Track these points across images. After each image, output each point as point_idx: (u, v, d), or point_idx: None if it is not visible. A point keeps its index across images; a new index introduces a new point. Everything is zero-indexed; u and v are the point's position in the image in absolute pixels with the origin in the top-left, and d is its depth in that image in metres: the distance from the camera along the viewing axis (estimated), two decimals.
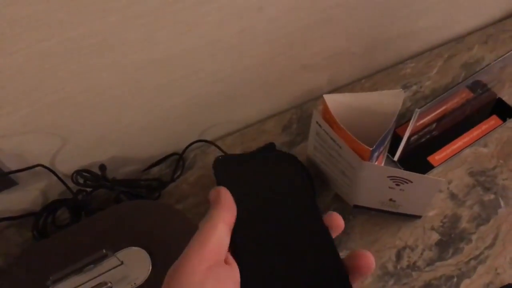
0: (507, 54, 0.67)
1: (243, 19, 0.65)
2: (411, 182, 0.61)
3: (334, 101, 0.62)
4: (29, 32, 0.52)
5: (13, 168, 0.66)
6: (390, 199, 0.67)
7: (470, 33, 0.93)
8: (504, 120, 0.79)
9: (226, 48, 0.68)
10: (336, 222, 0.33)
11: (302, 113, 0.84)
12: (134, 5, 0.55)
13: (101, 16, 0.54)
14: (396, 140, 0.72)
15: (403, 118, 0.81)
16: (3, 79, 0.56)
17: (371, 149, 0.58)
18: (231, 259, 0.31)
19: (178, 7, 0.59)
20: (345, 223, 0.70)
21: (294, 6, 0.68)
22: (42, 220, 0.72)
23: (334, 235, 0.33)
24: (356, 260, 0.30)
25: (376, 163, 0.65)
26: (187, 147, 0.78)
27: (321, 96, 0.78)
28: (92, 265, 0.60)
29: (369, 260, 0.30)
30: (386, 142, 0.65)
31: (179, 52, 0.65)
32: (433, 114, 0.70)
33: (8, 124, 0.61)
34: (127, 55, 0.61)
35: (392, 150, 0.74)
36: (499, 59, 0.67)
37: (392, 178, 0.61)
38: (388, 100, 0.62)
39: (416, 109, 0.61)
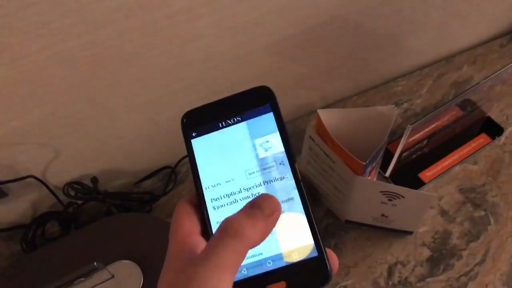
0: (495, 74, 0.68)
1: (240, 34, 0.66)
2: (403, 197, 0.61)
3: (328, 116, 0.63)
4: (23, 43, 0.52)
5: (4, 179, 0.65)
6: (382, 215, 0.67)
7: (459, 53, 0.95)
8: (493, 138, 0.80)
9: (221, 62, 0.69)
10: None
11: (295, 128, 0.85)
12: (130, 18, 0.56)
13: (96, 28, 0.55)
14: (387, 156, 0.73)
15: (394, 135, 0.82)
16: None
17: (364, 163, 0.58)
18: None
19: (176, 21, 0.59)
20: (337, 239, 0.71)
21: (288, 23, 0.69)
22: (31, 233, 0.72)
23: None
24: None
25: (368, 178, 0.65)
26: (179, 161, 0.78)
27: (313, 112, 0.79)
28: (82, 278, 0.59)
29: (335, 261, 0.31)
30: (378, 158, 0.66)
31: (175, 65, 0.65)
32: (424, 131, 0.71)
33: (0, 135, 0.60)
34: (122, 67, 0.61)
35: (383, 166, 0.75)
36: (488, 78, 0.68)
37: (385, 193, 0.62)
38: (381, 115, 0.63)
39: (409, 125, 0.62)
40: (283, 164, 0.33)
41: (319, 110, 0.63)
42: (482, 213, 0.73)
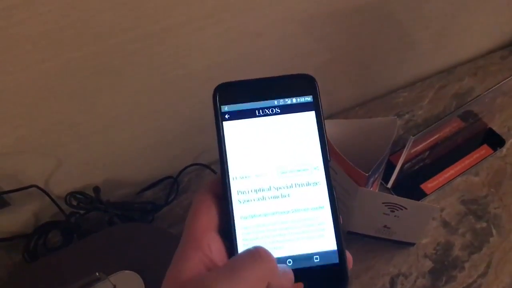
0: (496, 86, 0.69)
1: (242, 45, 0.67)
2: (406, 208, 0.61)
3: (330, 127, 0.63)
4: (30, 52, 0.53)
5: (7, 188, 0.65)
6: (385, 226, 0.67)
7: (460, 65, 0.95)
8: (494, 149, 0.80)
9: (223, 73, 0.69)
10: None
11: None
12: (136, 29, 0.56)
13: (102, 39, 0.55)
14: (389, 167, 0.73)
15: (396, 146, 0.82)
16: (5, 98, 0.56)
17: (367, 174, 0.58)
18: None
19: (178, 33, 0.60)
20: None
21: (290, 33, 0.70)
22: (33, 242, 0.71)
23: None
24: None
25: (371, 189, 0.66)
26: (182, 171, 0.78)
27: None
28: None
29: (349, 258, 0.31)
30: (381, 169, 0.66)
31: (177, 76, 0.65)
32: (425, 143, 0.71)
33: (4, 144, 0.61)
34: (126, 78, 0.62)
35: (385, 177, 0.75)
36: (489, 90, 0.68)
37: (387, 204, 0.62)
38: (383, 127, 0.63)
39: (411, 137, 0.62)
40: (318, 169, 0.32)
41: None
42: (484, 224, 0.73)
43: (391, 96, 0.91)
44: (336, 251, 0.31)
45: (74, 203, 0.71)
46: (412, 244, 0.71)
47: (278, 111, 0.33)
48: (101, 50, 0.57)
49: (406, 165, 0.72)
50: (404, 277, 0.68)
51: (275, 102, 0.33)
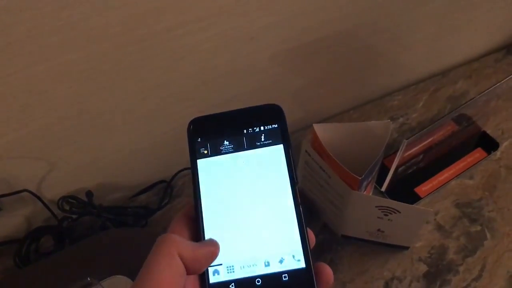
0: (490, 89, 0.69)
1: (235, 49, 0.66)
2: (399, 212, 0.61)
3: (324, 131, 0.63)
4: (20, 56, 0.52)
5: None
6: (378, 229, 0.67)
7: (454, 68, 0.95)
8: (488, 152, 0.80)
9: (217, 76, 0.69)
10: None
11: (292, 142, 0.85)
12: (130, 31, 0.56)
13: (92, 43, 0.55)
14: (383, 170, 0.72)
15: (390, 150, 0.82)
16: None
17: (360, 178, 0.58)
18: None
19: (172, 35, 0.60)
20: (333, 254, 0.70)
21: (284, 38, 0.69)
22: (25, 248, 0.71)
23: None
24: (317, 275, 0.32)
25: (364, 192, 0.65)
26: (175, 175, 0.78)
27: (309, 126, 0.79)
28: None
29: (330, 274, 0.32)
30: (374, 172, 0.66)
31: (171, 79, 0.65)
32: (419, 146, 0.71)
33: None
34: (117, 81, 0.61)
35: (379, 181, 0.75)
36: (483, 93, 0.68)
37: (381, 208, 0.61)
38: (376, 130, 0.63)
39: (404, 140, 0.62)
40: (286, 194, 0.34)
41: (314, 124, 0.63)
42: (479, 228, 0.73)
43: (385, 100, 0.91)
44: (302, 255, 0.32)
45: (67, 207, 0.70)
46: (406, 248, 0.70)
47: (245, 148, 0.35)
48: (92, 54, 0.56)
49: (400, 169, 0.72)
50: (399, 281, 0.68)
51: (244, 137, 0.35)
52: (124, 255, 0.64)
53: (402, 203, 0.60)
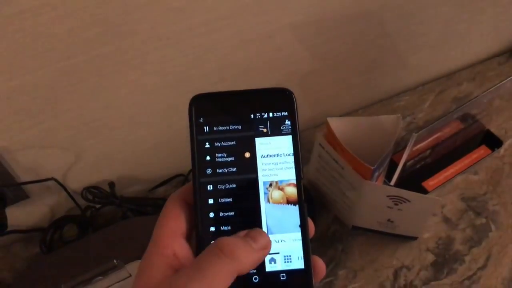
0: (493, 88, 0.72)
1: (253, 46, 0.70)
2: (409, 201, 0.64)
3: (337, 124, 0.67)
4: (56, 50, 0.56)
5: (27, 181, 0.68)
6: (388, 220, 0.70)
7: (459, 70, 0.99)
8: (492, 150, 0.84)
9: (235, 73, 0.73)
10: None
11: (302, 140, 0.88)
12: (157, 28, 0.60)
13: (127, 37, 0.59)
14: (392, 166, 0.76)
15: (398, 147, 0.85)
16: (29, 94, 0.59)
17: (373, 168, 0.62)
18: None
19: (192, 34, 0.64)
20: (344, 244, 0.73)
21: (299, 38, 0.73)
22: (49, 235, 0.74)
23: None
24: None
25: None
26: None
27: (318, 126, 0.83)
28: (100, 277, 0.61)
29: (322, 266, 0.31)
30: (385, 164, 0.69)
31: (191, 75, 0.69)
32: (427, 141, 0.75)
33: (27, 137, 0.64)
34: (141, 75, 0.65)
35: (388, 176, 0.78)
36: (486, 92, 0.72)
37: (391, 197, 0.65)
38: (387, 123, 0.67)
39: (413, 133, 0.66)
40: (291, 185, 0.32)
41: (328, 118, 0.67)
42: (483, 220, 0.76)
43: (392, 100, 0.95)
44: (302, 255, 0.31)
45: (90, 197, 0.74)
46: (415, 239, 0.74)
47: (252, 134, 0.33)
48: (124, 48, 0.60)
49: (408, 163, 0.76)
50: (407, 270, 0.71)
51: (251, 122, 0.33)
52: (147, 241, 0.67)
53: (412, 192, 0.63)
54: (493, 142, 0.85)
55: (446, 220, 0.76)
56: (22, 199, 0.70)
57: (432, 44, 0.91)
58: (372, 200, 0.67)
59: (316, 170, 0.74)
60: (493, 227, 0.75)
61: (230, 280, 0.27)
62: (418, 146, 0.73)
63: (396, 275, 0.71)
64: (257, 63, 0.73)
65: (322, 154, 0.69)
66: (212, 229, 0.31)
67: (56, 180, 0.70)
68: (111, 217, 0.77)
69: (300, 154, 0.33)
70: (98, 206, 0.75)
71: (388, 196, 0.65)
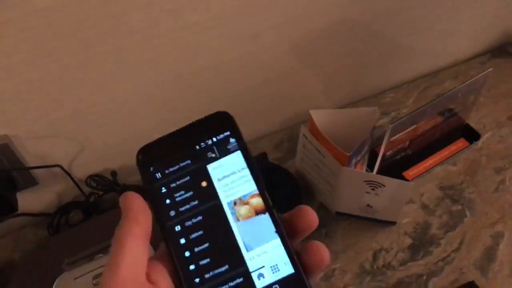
0: (469, 81, 0.78)
1: (242, 45, 0.77)
2: (384, 186, 0.70)
3: (319, 116, 0.73)
4: (64, 46, 0.63)
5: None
6: (368, 205, 0.75)
7: (442, 69, 1.05)
8: (471, 142, 0.89)
9: (227, 70, 0.79)
10: (309, 217, 0.31)
11: (292, 134, 0.94)
12: (155, 27, 0.67)
13: (127, 35, 0.66)
14: (374, 157, 0.81)
15: (380, 140, 0.91)
16: (39, 87, 0.66)
17: (349, 154, 0.67)
18: (155, 276, 0.29)
19: (190, 32, 0.70)
20: (328, 228, 0.79)
21: (286, 37, 0.80)
22: (56, 220, 0.81)
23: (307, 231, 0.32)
24: (311, 255, 0.30)
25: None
26: None
27: (305, 121, 0.88)
28: (101, 254, 0.67)
29: (324, 254, 0.30)
30: (363, 152, 0.75)
31: (188, 71, 0.75)
32: (406, 133, 0.80)
33: (37, 127, 0.71)
34: (142, 70, 0.72)
35: (371, 165, 0.83)
36: (462, 84, 0.77)
37: (368, 182, 0.70)
38: (365, 115, 0.73)
39: (389, 124, 0.71)
40: (255, 196, 0.32)
41: (311, 110, 0.73)
42: (459, 207, 0.81)
43: (379, 97, 1.01)
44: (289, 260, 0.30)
45: (93, 184, 0.80)
46: (394, 223, 0.79)
47: (199, 164, 0.33)
48: (125, 45, 0.67)
49: (389, 153, 0.81)
50: (386, 252, 0.77)
51: (199, 152, 0.33)
52: None
53: (386, 177, 0.69)
54: (472, 135, 0.90)
55: (424, 207, 0.82)
56: (32, 185, 0.77)
57: (417, 44, 0.96)
58: (351, 185, 0.72)
59: (302, 159, 0.80)
60: (468, 213, 0.80)
61: (130, 245, 0.29)
62: (397, 136, 0.79)
63: (375, 256, 0.76)
64: (249, 60, 0.80)
65: (306, 144, 0.75)
66: (192, 267, 0.31)
67: (62, 168, 0.76)
68: (113, 204, 0.84)
69: (255, 164, 0.32)
70: (101, 193, 0.82)
71: (365, 181, 0.70)
